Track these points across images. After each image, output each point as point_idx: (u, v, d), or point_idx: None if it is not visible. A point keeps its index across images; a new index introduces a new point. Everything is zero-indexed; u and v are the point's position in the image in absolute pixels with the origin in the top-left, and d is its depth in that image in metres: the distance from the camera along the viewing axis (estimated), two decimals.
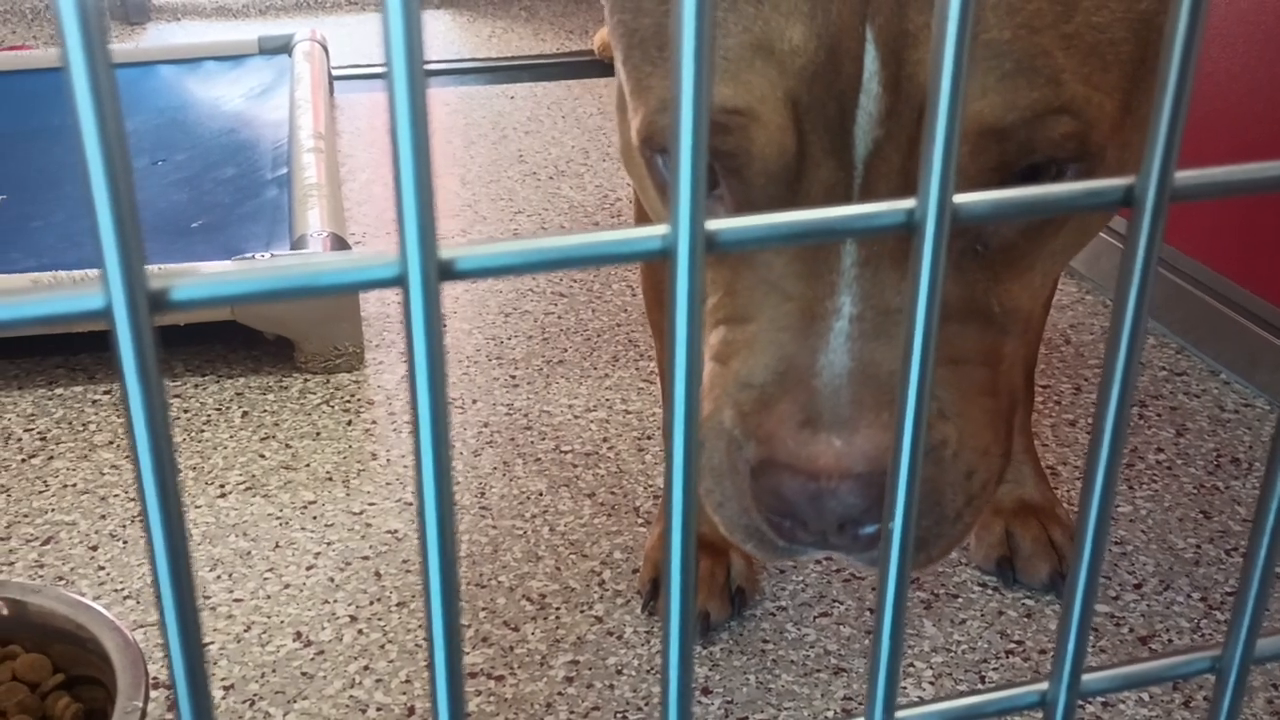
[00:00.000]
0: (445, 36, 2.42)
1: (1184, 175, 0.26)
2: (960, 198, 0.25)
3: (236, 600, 0.95)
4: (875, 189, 0.51)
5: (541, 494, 1.07)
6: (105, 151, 0.20)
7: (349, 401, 1.21)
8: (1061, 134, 0.50)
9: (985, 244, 0.54)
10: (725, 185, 0.53)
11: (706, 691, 0.87)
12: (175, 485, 0.23)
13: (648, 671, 0.88)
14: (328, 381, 1.24)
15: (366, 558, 1.00)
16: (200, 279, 0.22)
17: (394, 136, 0.21)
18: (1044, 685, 0.32)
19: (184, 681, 0.24)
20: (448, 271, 0.23)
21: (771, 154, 0.51)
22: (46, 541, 1.01)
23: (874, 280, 0.51)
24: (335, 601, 0.95)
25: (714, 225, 0.24)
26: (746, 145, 0.51)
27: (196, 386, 1.23)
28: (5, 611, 0.76)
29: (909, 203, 0.25)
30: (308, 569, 0.98)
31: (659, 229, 0.24)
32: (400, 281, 0.23)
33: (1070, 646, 0.31)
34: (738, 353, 0.54)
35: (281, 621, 0.93)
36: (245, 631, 0.92)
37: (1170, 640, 0.91)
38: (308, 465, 1.11)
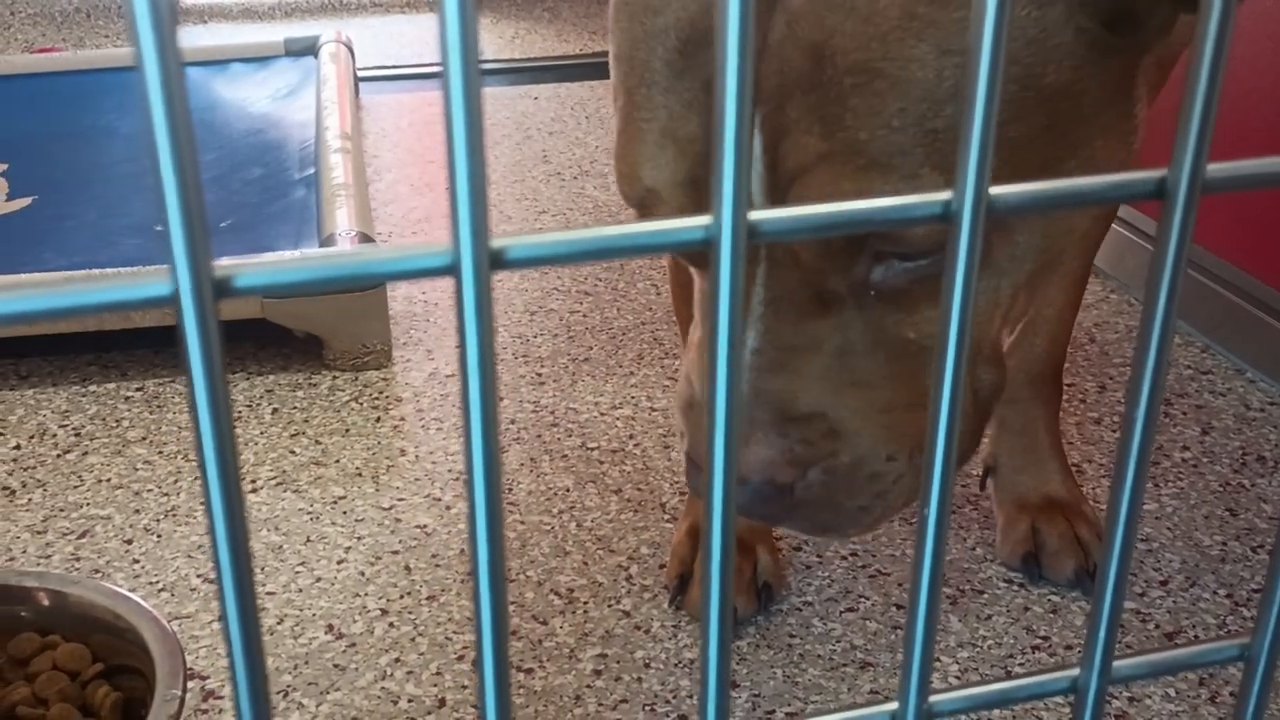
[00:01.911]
0: None
1: (1215, 167, 0.26)
2: (995, 190, 0.26)
3: (269, 593, 0.96)
4: (771, 254, 0.59)
5: (568, 490, 1.08)
6: (175, 144, 0.21)
7: (377, 399, 1.22)
8: (920, 233, 0.55)
9: (876, 288, 0.60)
10: None
11: (734, 685, 0.87)
12: (236, 466, 0.24)
13: (675, 665, 0.89)
14: (356, 379, 1.26)
15: (396, 552, 1.01)
16: (262, 267, 0.23)
17: (449, 128, 0.22)
18: (1075, 671, 0.32)
19: (243, 664, 0.25)
20: (498, 260, 0.24)
21: None
22: (82, 535, 1.03)
23: (775, 319, 0.60)
24: (366, 595, 0.96)
25: (756, 216, 0.25)
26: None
27: (227, 383, 1.24)
28: (46, 602, 0.77)
29: (945, 194, 0.26)
30: (338, 563, 0.99)
31: (702, 219, 0.25)
32: (453, 270, 0.23)
33: (1102, 632, 0.31)
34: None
35: (313, 614, 0.94)
36: (278, 624, 0.93)
37: (1196, 637, 0.91)
38: (337, 461, 1.13)
